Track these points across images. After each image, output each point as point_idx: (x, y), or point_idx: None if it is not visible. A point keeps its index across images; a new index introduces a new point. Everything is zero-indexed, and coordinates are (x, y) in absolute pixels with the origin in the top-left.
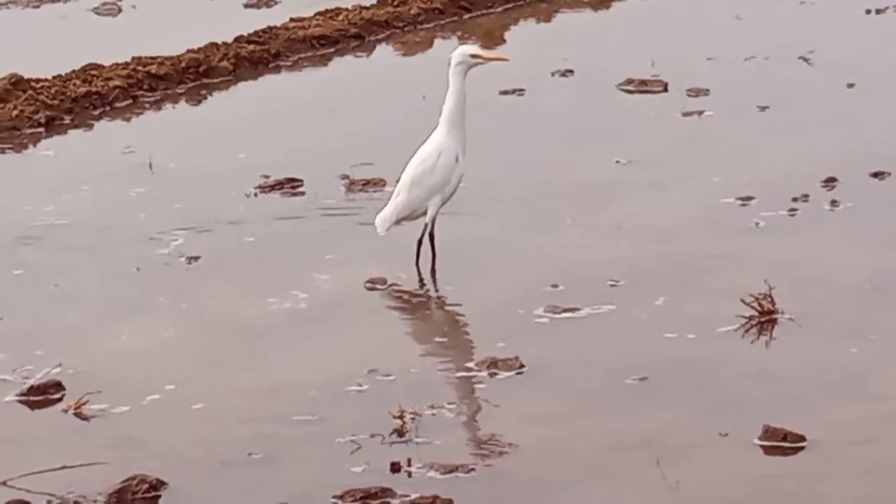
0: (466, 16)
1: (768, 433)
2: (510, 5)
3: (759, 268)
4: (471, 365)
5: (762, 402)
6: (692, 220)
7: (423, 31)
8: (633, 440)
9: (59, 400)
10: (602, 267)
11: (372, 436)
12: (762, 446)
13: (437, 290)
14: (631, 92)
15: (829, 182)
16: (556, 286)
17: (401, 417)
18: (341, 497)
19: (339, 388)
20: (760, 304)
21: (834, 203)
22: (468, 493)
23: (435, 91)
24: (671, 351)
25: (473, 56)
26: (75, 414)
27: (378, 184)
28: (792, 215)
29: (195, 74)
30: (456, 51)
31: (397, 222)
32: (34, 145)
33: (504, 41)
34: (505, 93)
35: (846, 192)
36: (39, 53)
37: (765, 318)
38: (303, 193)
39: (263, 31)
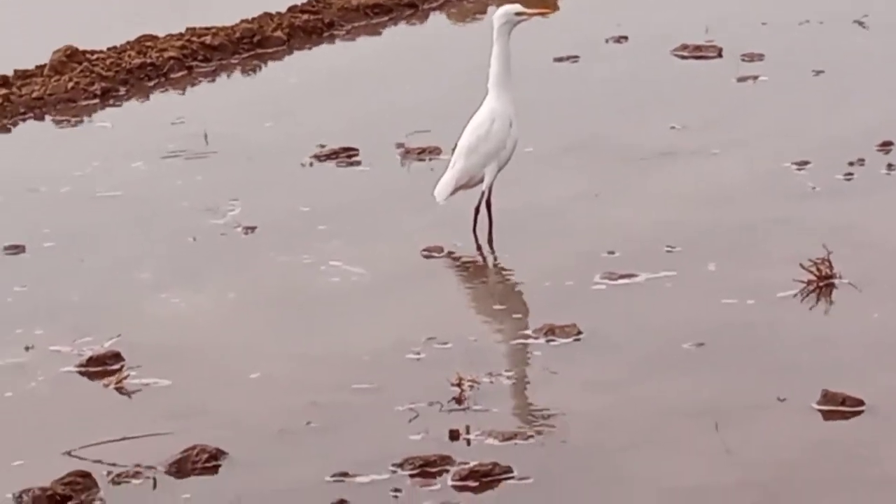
0: None
1: (827, 398)
2: None
3: (816, 232)
4: (528, 332)
5: (820, 367)
6: (748, 185)
7: None
8: (691, 406)
9: (118, 371)
10: (658, 232)
11: (430, 404)
12: (821, 411)
13: (494, 258)
14: (685, 58)
15: (885, 146)
16: (612, 252)
17: (459, 385)
18: (400, 465)
19: (398, 356)
20: (818, 269)
21: (890, 167)
22: (526, 461)
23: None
24: (729, 316)
25: (518, 14)
26: (132, 385)
27: (433, 152)
28: (848, 179)
29: (249, 45)
30: (498, 11)
31: (455, 191)
32: (89, 117)
33: (558, 8)
34: (559, 60)
35: None
36: (94, 25)
37: (823, 283)
38: (359, 162)
39: (317, 0)
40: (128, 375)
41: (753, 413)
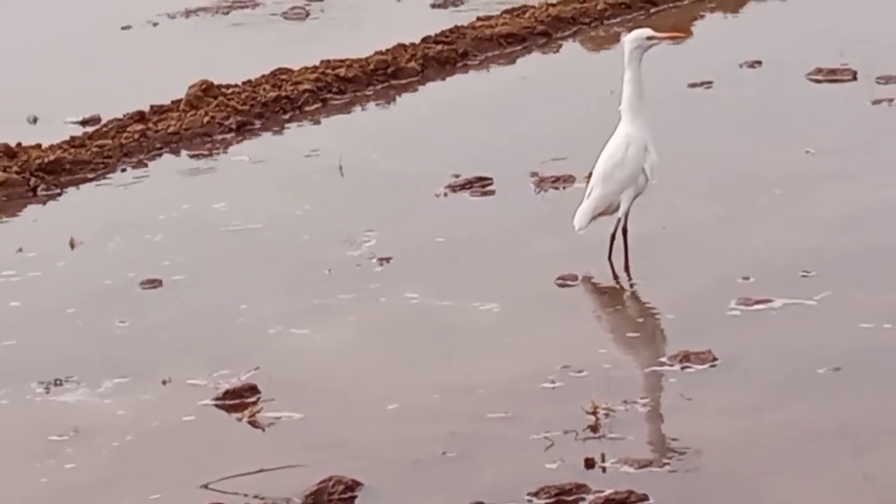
0: (653, 10)
1: None
2: None
3: None
4: (663, 359)
5: None
6: (884, 208)
7: (610, 27)
8: (827, 431)
9: (255, 403)
10: (794, 258)
11: (565, 432)
12: None
13: (629, 285)
14: (819, 81)
15: None
16: (747, 278)
17: (594, 413)
18: (536, 494)
19: (533, 385)
20: None
21: None
22: (663, 488)
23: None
24: (866, 341)
25: (649, 38)
26: (267, 418)
27: (567, 180)
28: None
29: (383, 76)
30: (629, 35)
31: (594, 218)
32: (226, 150)
33: (691, 34)
34: (693, 85)
35: None
36: (229, 59)
37: None
38: (493, 192)
39: (450, 30)
40: (262, 408)
41: (891, 438)
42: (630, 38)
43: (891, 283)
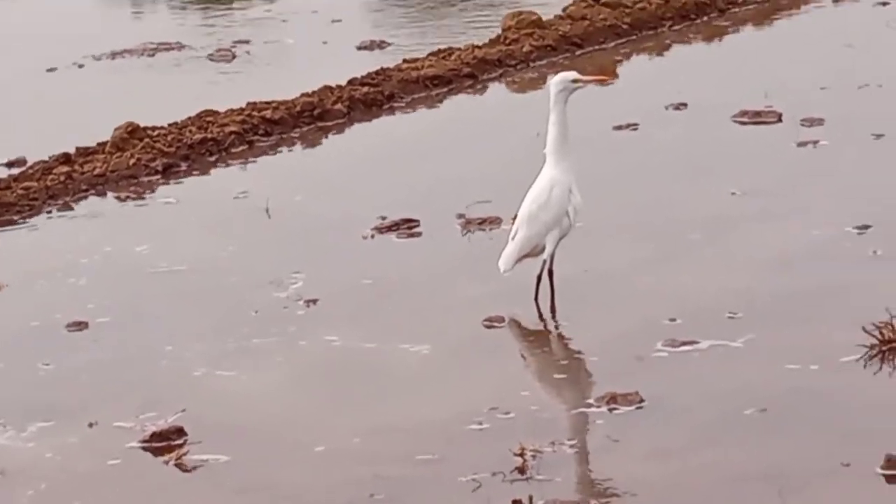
0: (579, 52)
1: (891, 462)
2: (622, 40)
3: (878, 296)
4: (590, 401)
5: (884, 432)
6: (809, 250)
7: (536, 69)
8: (755, 472)
9: (182, 445)
10: (720, 299)
11: (493, 474)
12: (884, 475)
13: (556, 327)
14: (745, 123)
15: None
16: (673, 320)
17: (521, 455)
18: None
19: (460, 426)
20: (882, 333)
21: None
22: None
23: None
24: (792, 382)
25: (574, 81)
26: (194, 461)
27: (494, 222)
28: None
29: (310, 118)
30: (555, 78)
31: (519, 260)
32: (152, 192)
33: (617, 76)
34: (619, 128)
35: None
36: (155, 101)
37: (886, 347)
38: (420, 234)
39: (377, 72)
40: (188, 451)
41: (817, 479)
42: (555, 81)
43: (817, 324)
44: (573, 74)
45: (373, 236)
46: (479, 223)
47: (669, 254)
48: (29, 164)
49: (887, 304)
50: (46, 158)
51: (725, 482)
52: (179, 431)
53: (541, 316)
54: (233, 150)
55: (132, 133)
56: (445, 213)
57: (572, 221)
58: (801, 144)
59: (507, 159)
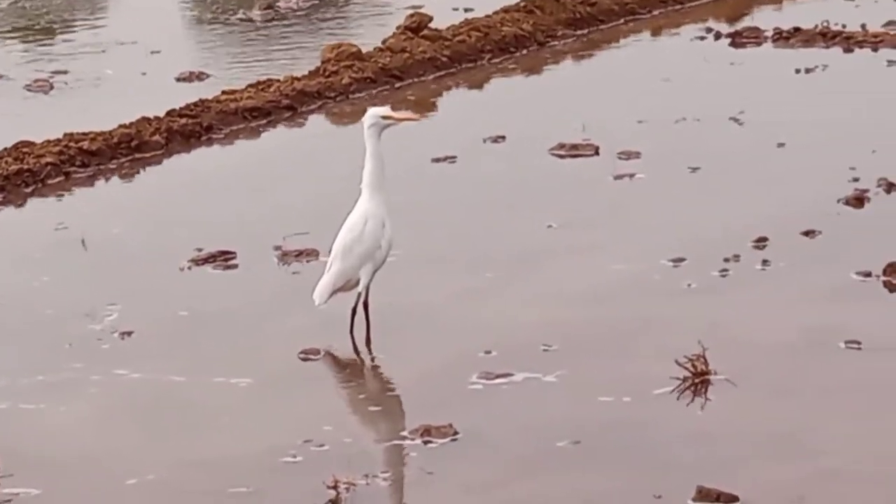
0: (398, 84)
1: (702, 494)
2: (441, 73)
3: (692, 329)
4: (405, 433)
5: (696, 463)
6: (625, 282)
7: (356, 101)
8: None
9: None
10: (536, 332)
11: None
12: None
13: (371, 359)
14: (562, 156)
15: (760, 242)
16: (489, 352)
17: (335, 488)
18: None
19: (274, 459)
20: (694, 366)
21: (765, 262)
22: None
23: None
24: (605, 414)
25: (385, 117)
26: (4, 494)
27: (311, 254)
28: (723, 276)
29: (127, 149)
30: (367, 113)
31: (334, 292)
32: None
33: (436, 109)
34: (437, 160)
35: (777, 252)
36: None
37: (699, 380)
38: (236, 266)
39: (195, 104)
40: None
41: None
42: (367, 116)
43: (630, 356)
44: (384, 110)
45: (189, 268)
46: (297, 255)
47: (485, 286)
48: None
49: (699, 337)
50: None
51: None
52: None
53: (356, 349)
54: (49, 182)
55: None
56: (262, 245)
57: (385, 255)
58: (618, 177)
59: (325, 191)
